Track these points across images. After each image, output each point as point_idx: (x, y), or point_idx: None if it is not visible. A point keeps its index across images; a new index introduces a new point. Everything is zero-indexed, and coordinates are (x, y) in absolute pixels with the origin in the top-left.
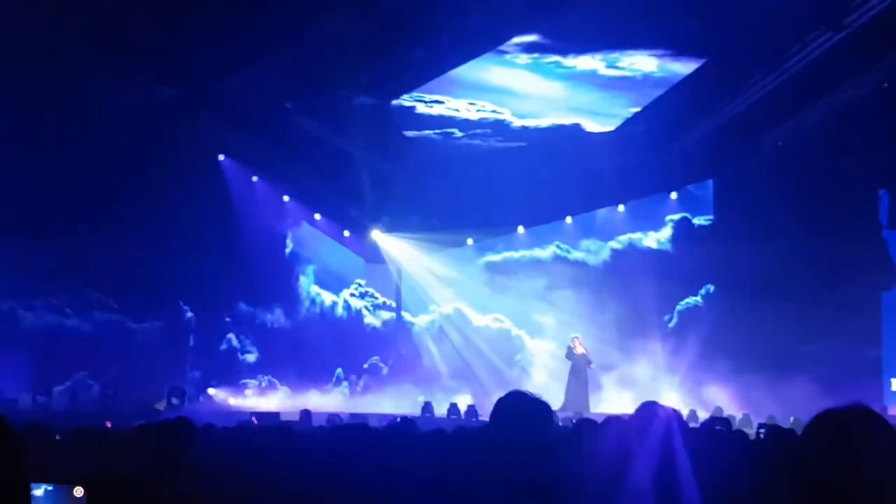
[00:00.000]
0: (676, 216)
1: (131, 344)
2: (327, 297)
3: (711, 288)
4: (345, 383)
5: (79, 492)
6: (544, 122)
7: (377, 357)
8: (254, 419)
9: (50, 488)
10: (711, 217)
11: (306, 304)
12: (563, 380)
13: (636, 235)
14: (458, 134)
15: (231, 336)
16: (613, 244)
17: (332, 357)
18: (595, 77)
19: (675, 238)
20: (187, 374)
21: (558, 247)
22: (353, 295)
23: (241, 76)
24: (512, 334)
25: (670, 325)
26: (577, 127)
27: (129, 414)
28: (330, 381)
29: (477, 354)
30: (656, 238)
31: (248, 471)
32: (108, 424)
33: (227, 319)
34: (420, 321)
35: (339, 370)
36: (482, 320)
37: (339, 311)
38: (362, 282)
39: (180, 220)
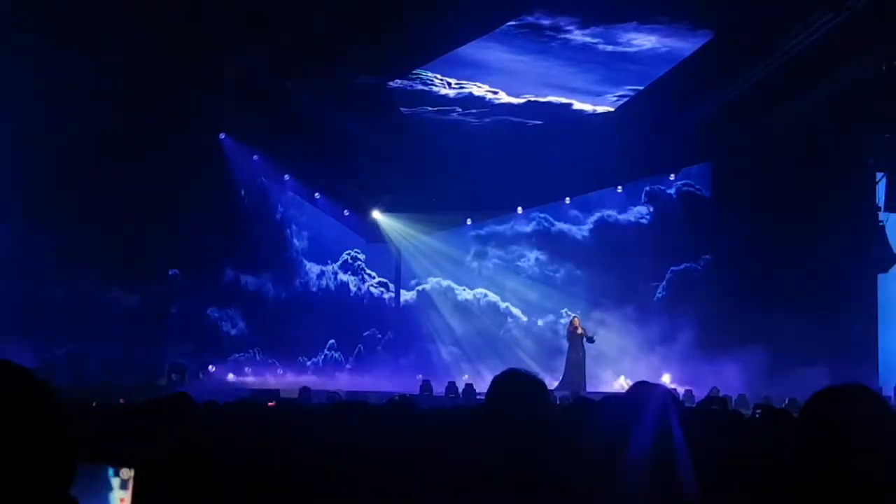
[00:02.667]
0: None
1: (120, 315)
2: (320, 269)
3: (704, 263)
4: (338, 355)
5: None
6: (539, 100)
7: (372, 331)
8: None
9: None
10: (685, 181)
11: (298, 275)
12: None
13: (617, 210)
14: (458, 111)
15: (216, 308)
16: (598, 216)
17: (326, 330)
18: (593, 54)
19: (660, 211)
20: (178, 346)
21: (544, 220)
22: (347, 268)
23: (241, 54)
24: (500, 308)
25: (656, 296)
26: (573, 106)
27: (130, 389)
28: (321, 354)
29: (468, 329)
30: (638, 211)
31: (249, 447)
32: (122, 401)
33: (216, 290)
34: (415, 297)
35: (331, 341)
36: (471, 294)
37: (333, 283)
38: (360, 255)
39: (171, 193)
